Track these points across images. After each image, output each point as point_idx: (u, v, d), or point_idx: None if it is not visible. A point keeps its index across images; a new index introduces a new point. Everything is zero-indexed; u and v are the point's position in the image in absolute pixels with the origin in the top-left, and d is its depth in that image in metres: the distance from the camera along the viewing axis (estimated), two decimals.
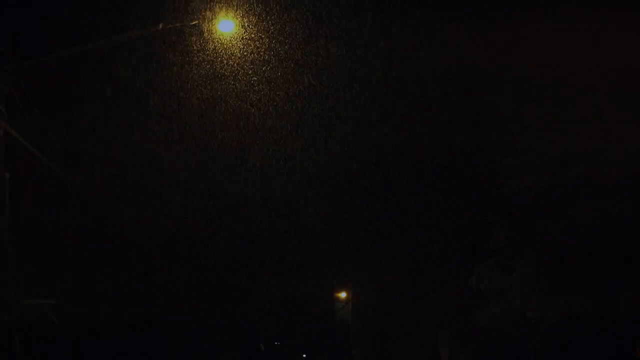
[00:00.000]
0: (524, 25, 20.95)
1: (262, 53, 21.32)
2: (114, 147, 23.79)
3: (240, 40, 19.31)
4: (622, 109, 20.87)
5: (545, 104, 22.29)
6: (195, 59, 20.57)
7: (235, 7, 17.34)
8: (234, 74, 21.71)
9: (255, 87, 23.05)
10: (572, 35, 20.05)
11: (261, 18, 20.10)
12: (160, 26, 15.48)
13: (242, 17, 18.46)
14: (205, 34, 17.21)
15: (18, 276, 15.65)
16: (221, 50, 19.73)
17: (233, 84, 22.47)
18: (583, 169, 22.32)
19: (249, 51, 20.75)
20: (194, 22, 15.93)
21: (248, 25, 19.45)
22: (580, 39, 19.88)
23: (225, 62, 20.71)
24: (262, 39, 20.77)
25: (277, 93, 24.10)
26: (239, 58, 20.71)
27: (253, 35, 20.19)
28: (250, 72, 21.97)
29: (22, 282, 17.13)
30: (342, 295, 53.66)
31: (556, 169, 23.10)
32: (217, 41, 18.18)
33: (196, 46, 19.57)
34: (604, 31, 19.59)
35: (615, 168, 21.54)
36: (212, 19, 16.05)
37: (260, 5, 19.73)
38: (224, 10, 16.48)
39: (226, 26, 16.50)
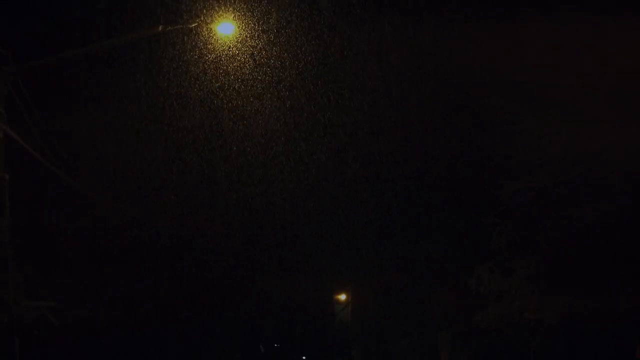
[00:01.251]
0: (523, 26, 20.93)
1: (261, 55, 21.32)
2: (114, 147, 23.79)
3: (239, 42, 19.32)
4: (622, 109, 20.85)
5: (545, 104, 22.26)
6: (195, 60, 20.56)
7: (235, 10, 17.36)
8: (234, 76, 21.70)
9: (256, 89, 23.05)
10: (572, 35, 20.03)
11: (261, 21, 20.11)
12: (160, 28, 15.47)
13: (242, 19, 18.47)
14: (205, 36, 17.23)
15: (18, 278, 15.64)
16: (221, 52, 19.72)
17: (234, 86, 22.47)
18: (583, 169, 22.28)
19: (249, 53, 20.75)
20: (193, 24, 15.91)
21: (248, 28, 19.46)
22: (580, 39, 19.87)
23: (225, 63, 20.70)
24: (262, 42, 20.77)
25: (278, 95, 24.11)
26: (239, 60, 20.70)
27: (253, 38, 20.19)
28: (250, 74, 21.96)
29: (21, 284, 17.11)
30: (342, 297, 53.63)
31: (556, 169, 23.05)
32: (217, 43, 18.18)
33: (196, 48, 19.58)
34: (604, 31, 19.57)
35: (615, 168, 21.51)
36: (212, 21, 16.03)
37: (259, 7, 19.75)
38: (224, 12, 16.49)
39: (226, 28, 16.48)
